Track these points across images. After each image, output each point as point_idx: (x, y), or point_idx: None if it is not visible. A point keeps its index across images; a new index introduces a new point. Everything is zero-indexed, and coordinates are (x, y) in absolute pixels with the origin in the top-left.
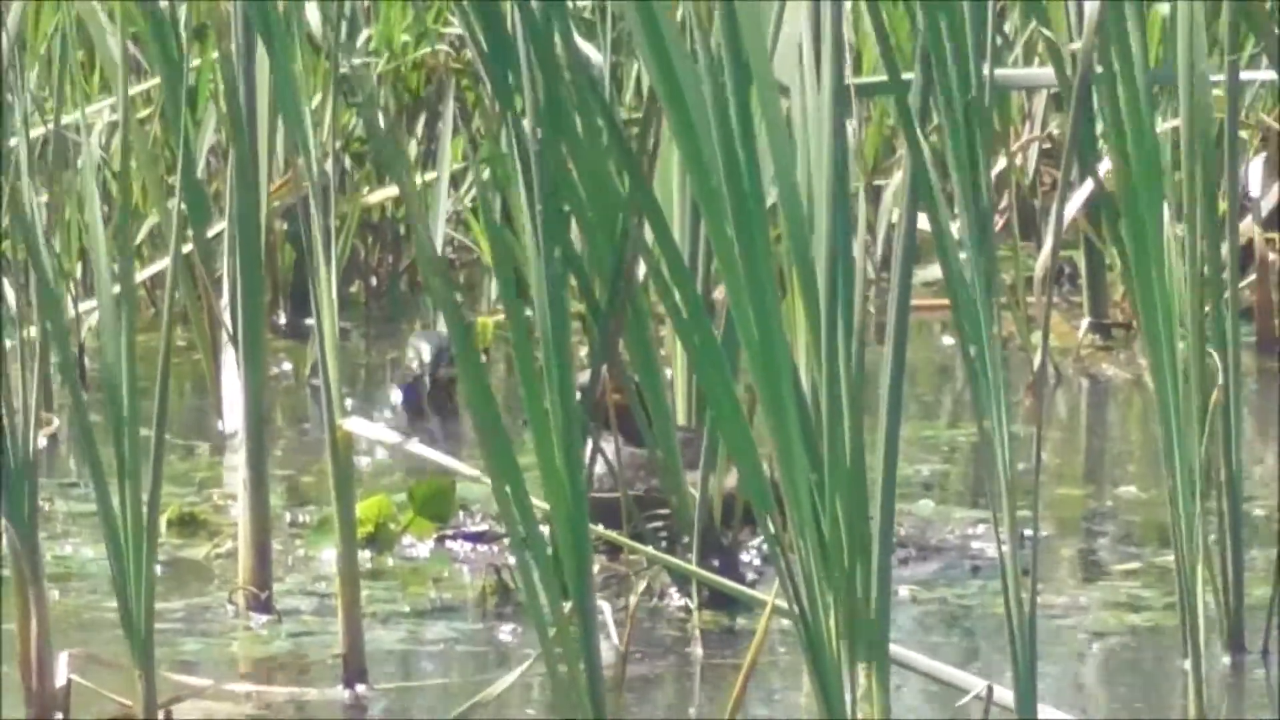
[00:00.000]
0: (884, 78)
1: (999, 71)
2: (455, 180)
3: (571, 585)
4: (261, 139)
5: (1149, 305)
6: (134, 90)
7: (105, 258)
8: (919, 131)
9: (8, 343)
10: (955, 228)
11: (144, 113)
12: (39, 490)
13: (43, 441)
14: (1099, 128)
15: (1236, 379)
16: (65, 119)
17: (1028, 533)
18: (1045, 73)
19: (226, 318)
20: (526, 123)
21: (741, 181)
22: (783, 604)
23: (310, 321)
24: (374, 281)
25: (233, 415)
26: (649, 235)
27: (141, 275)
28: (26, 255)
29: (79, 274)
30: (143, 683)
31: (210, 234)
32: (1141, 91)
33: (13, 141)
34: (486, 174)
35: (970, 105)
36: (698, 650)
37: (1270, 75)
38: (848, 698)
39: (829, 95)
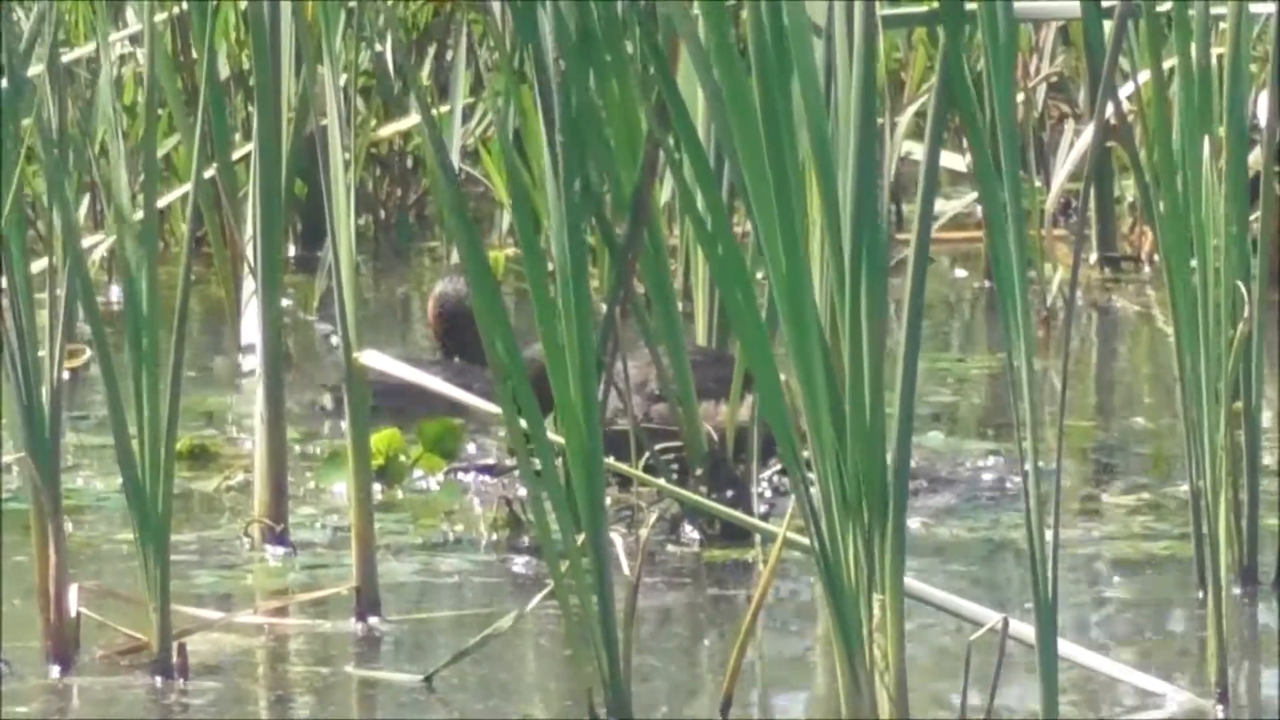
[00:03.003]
0: (912, 9)
1: (1017, 5)
2: (464, 113)
3: (584, 518)
4: (285, 66)
5: (1177, 235)
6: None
7: (126, 183)
8: (964, 62)
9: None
10: (965, 161)
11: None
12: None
13: (66, 374)
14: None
15: (1262, 310)
16: (79, 51)
17: (1040, 465)
18: (1063, 5)
19: (249, 251)
20: (551, 50)
21: (776, 116)
22: (794, 536)
23: (319, 255)
24: (382, 214)
25: (251, 349)
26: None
27: (161, 202)
28: (47, 187)
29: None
30: (157, 615)
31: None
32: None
33: (33, 70)
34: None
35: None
36: (710, 582)
37: (1272, 8)
38: (864, 628)
39: (860, 29)
